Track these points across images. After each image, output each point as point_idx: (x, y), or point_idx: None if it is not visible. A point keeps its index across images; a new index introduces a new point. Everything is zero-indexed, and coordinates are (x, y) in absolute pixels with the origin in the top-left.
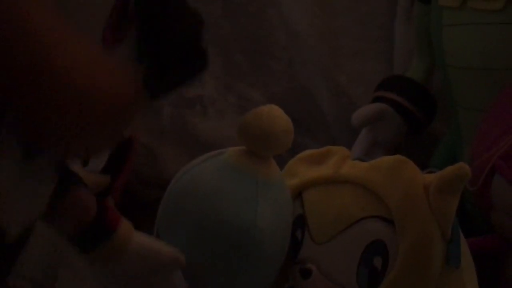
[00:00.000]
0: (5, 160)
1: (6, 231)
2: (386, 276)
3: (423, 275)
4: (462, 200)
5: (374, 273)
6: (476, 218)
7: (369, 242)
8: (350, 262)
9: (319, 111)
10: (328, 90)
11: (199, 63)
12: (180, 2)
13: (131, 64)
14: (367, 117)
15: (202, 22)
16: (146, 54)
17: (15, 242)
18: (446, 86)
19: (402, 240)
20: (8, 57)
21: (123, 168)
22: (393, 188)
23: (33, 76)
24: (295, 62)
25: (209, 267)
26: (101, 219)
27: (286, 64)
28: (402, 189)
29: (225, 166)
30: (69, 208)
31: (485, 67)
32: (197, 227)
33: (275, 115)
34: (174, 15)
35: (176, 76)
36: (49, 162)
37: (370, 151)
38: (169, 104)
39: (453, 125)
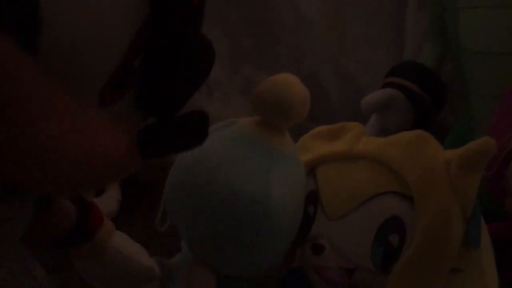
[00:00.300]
0: None
1: None
2: (403, 254)
3: (441, 254)
4: None
5: (390, 251)
6: (488, 207)
7: (385, 218)
8: (364, 238)
9: (325, 97)
10: (336, 77)
11: (200, 135)
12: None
13: (128, 123)
14: (378, 103)
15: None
16: (146, 112)
17: None
18: (459, 72)
19: (420, 217)
20: None
21: None
22: (412, 164)
23: (16, 144)
24: (303, 47)
25: (219, 239)
26: (83, 222)
27: (293, 49)
28: (421, 164)
29: (237, 136)
30: (50, 222)
31: (502, 51)
32: (207, 198)
33: (291, 83)
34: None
35: (173, 141)
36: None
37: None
38: None
39: (465, 114)
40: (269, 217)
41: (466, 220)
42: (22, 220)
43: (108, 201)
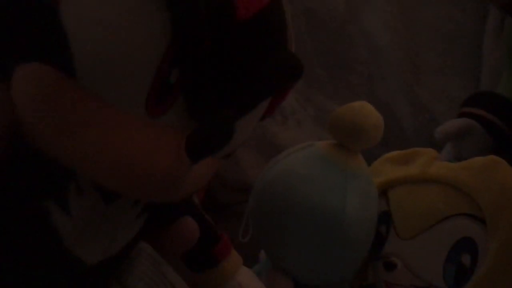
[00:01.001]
0: (85, 202)
1: (83, 260)
2: (475, 274)
3: None
4: None
5: (462, 271)
6: None
7: (457, 239)
8: (436, 258)
9: (398, 126)
10: (409, 106)
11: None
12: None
13: (177, 132)
14: (453, 132)
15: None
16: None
17: (99, 264)
18: None
19: (493, 239)
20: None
21: None
22: (485, 187)
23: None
24: (375, 77)
25: (297, 249)
26: (210, 247)
27: (365, 78)
28: (495, 188)
29: (315, 156)
30: (172, 238)
31: None
32: (287, 212)
33: (367, 110)
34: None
35: (215, 144)
36: (127, 206)
37: None
38: None
39: None
40: (344, 230)
41: None
42: (122, 230)
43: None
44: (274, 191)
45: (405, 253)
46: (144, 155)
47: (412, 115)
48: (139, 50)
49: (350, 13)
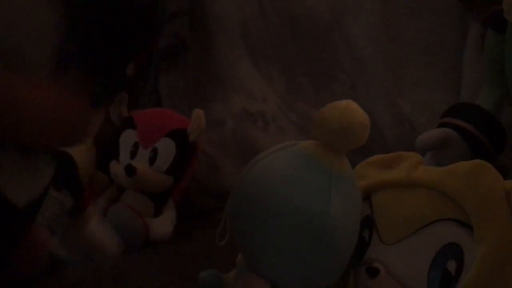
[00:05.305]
0: (8, 159)
1: (15, 203)
2: (460, 281)
3: (501, 283)
4: None
5: (447, 278)
6: None
7: (443, 244)
8: (421, 264)
9: (379, 135)
10: (391, 116)
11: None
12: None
13: (78, 88)
14: (432, 141)
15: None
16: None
17: (26, 208)
18: None
19: (479, 245)
20: None
21: (185, 171)
22: (471, 192)
23: None
24: (358, 86)
25: (278, 253)
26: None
27: (348, 87)
28: (481, 193)
29: (299, 156)
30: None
31: None
32: (268, 213)
33: (352, 109)
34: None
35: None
36: (41, 155)
37: None
38: (232, 117)
39: None
40: (327, 234)
41: None
42: (40, 178)
43: (165, 222)
44: (254, 191)
45: (388, 259)
46: (57, 108)
47: (393, 125)
48: (40, 36)
49: (334, 22)
